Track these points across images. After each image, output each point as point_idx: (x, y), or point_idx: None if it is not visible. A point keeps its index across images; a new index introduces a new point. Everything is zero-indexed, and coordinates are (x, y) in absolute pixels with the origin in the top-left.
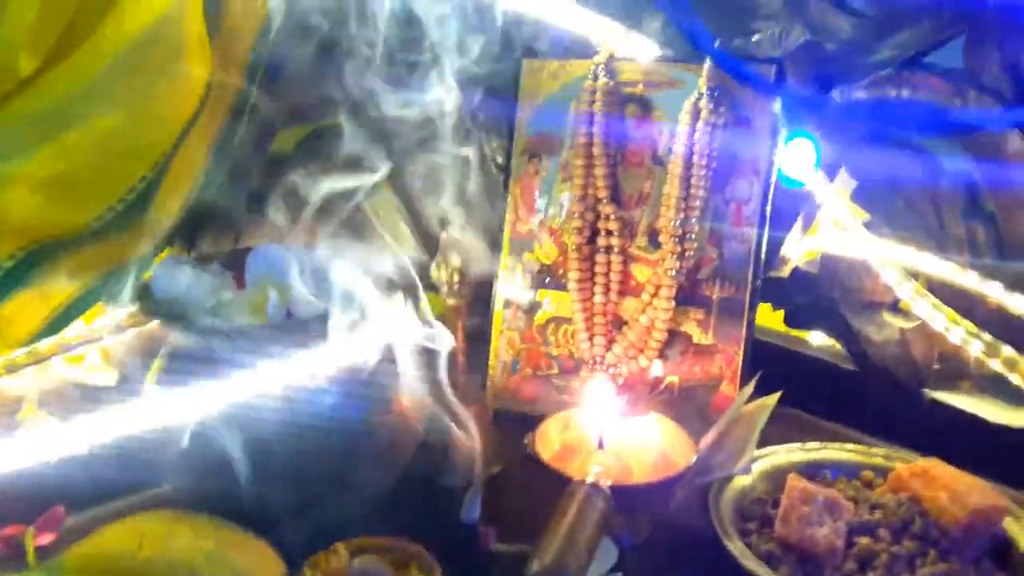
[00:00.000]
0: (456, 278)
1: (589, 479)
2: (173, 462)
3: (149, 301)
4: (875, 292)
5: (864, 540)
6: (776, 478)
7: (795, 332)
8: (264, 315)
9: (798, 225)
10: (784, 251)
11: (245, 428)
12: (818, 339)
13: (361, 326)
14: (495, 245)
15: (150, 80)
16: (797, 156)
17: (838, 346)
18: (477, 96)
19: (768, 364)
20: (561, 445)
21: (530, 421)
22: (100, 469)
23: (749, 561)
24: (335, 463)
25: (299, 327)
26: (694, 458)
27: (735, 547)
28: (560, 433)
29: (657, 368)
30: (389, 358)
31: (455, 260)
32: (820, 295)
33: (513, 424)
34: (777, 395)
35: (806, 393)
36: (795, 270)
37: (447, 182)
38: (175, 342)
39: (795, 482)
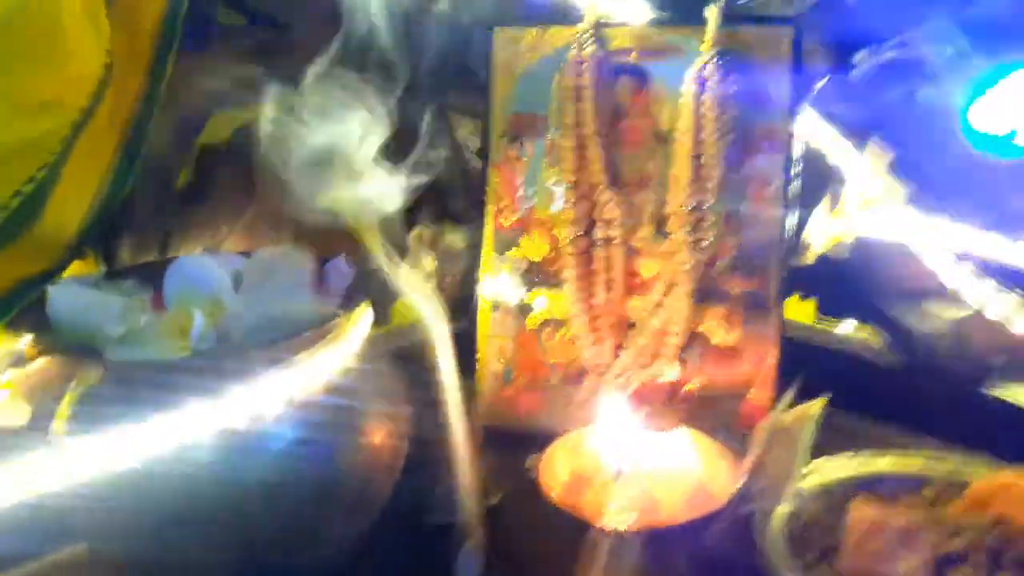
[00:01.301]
0: (429, 284)
1: (611, 523)
2: (92, 520)
3: (45, 330)
4: (918, 278)
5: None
6: (828, 497)
7: (827, 326)
8: (187, 342)
9: (823, 205)
10: (806, 236)
11: (177, 481)
12: (854, 332)
13: (317, 343)
14: (475, 242)
15: (20, 66)
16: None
17: (879, 340)
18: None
19: (800, 364)
20: (571, 475)
21: (529, 440)
22: (6, 528)
23: None
24: (292, 518)
25: (235, 354)
26: (738, 484)
27: None
28: (569, 460)
29: (672, 374)
30: (353, 380)
31: (427, 262)
32: (852, 284)
33: (509, 443)
34: (821, 401)
35: (847, 394)
36: (821, 257)
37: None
38: (87, 378)
39: (862, 510)
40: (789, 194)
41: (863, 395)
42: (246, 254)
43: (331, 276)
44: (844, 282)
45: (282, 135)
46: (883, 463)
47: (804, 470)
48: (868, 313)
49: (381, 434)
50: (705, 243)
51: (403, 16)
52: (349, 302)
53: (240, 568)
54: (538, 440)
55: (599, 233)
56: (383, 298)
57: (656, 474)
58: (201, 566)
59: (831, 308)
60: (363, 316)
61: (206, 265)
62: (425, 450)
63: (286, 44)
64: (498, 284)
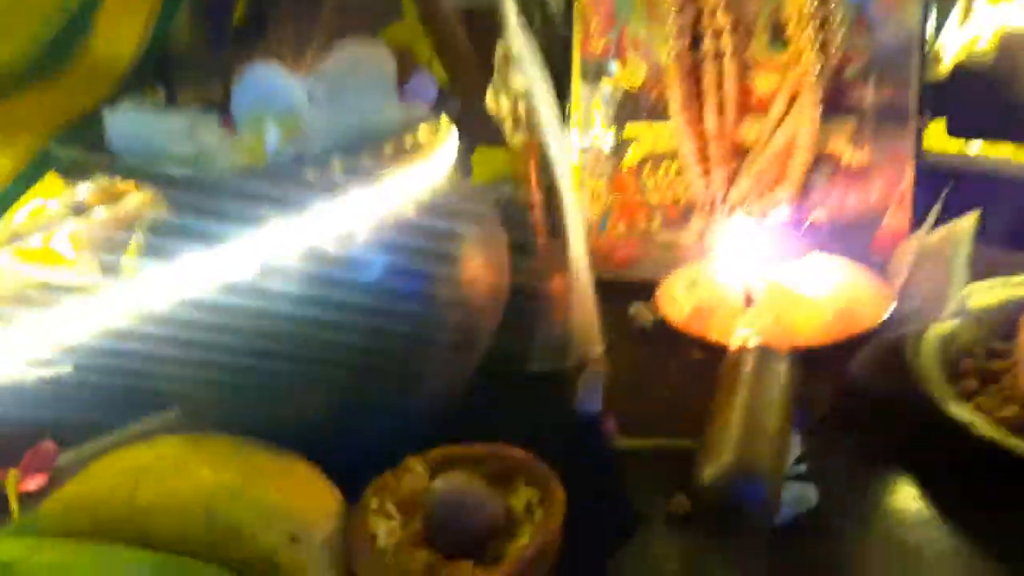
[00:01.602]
0: (522, 106)
1: (752, 342)
2: (174, 371)
3: (106, 158)
4: None
5: None
6: (983, 321)
7: (962, 149)
8: (262, 156)
9: (961, 3)
10: (938, 44)
11: (262, 314)
12: (994, 151)
13: (407, 154)
14: (562, 72)
15: None
16: None
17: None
18: None
19: (938, 187)
20: (693, 308)
21: (631, 290)
22: (90, 391)
23: (990, 429)
24: (389, 356)
25: (316, 162)
26: (890, 308)
27: (963, 413)
28: (688, 292)
29: (797, 201)
30: (447, 199)
31: (518, 81)
32: (996, 91)
33: (609, 295)
34: (974, 216)
35: (993, 219)
36: (957, 67)
37: None
38: (155, 208)
39: None
40: None
41: (1012, 219)
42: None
43: (413, 91)
44: (983, 92)
45: None
46: None
47: (960, 292)
48: (1013, 123)
49: (482, 264)
50: (833, 45)
51: None
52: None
53: (332, 412)
54: (640, 290)
55: (707, 46)
56: (466, 133)
57: (792, 299)
58: (303, 412)
59: (964, 127)
60: (449, 130)
61: (277, 75)
62: (527, 291)
63: None
64: (589, 119)
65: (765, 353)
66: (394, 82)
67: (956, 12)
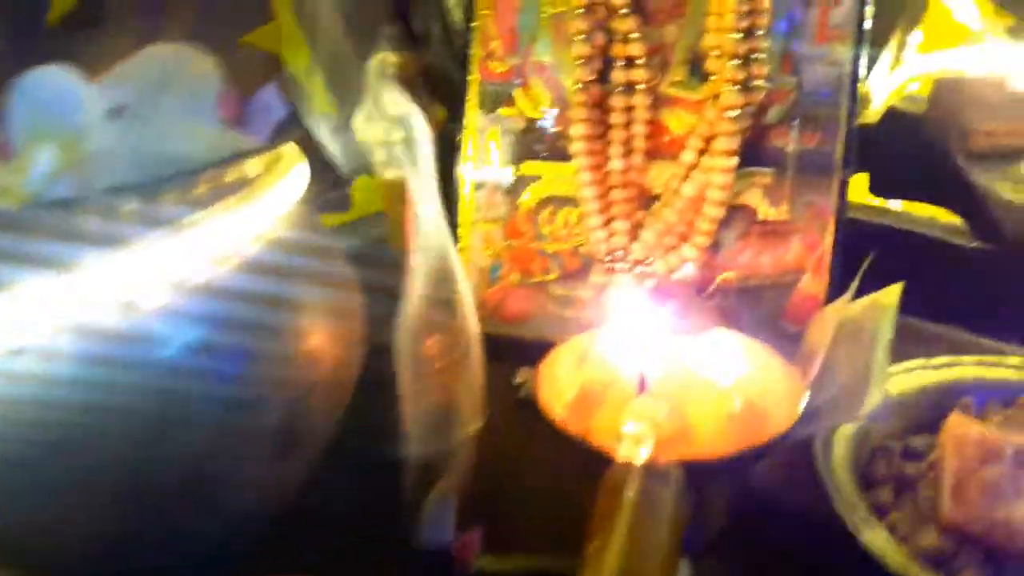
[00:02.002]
0: (396, 134)
1: (632, 454)
2: None
3: None
4: (1014, 132)
5: None
6: (900, 411)
7: (889, 207)
8: (22, 190)
9: (893, 44)
10: (866, 87)
11: (12, 406)
12: (920, 210)
13: (229, 194)
14: (453, 96)
15: None
16: None
17: (953, 218)
18: None
19: (859, 249)
20: (579, 391)
21: (519, 350)
22: None
23: (904, 564)
24: (186, 463)
25: (99, 205)
26: (801, 401)
27: (875, 540)
28: (576, 370)
29: (705, 258)
30: (282, 253)
31: (395, 106)
32: (926, 144)
33: (496, 355)
34: (897, 288)
35: (916, 286)
36: (889, 111)
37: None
38: None
39: (961, 426)
40: (863, 23)
41: (937, 287)
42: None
43: (253, 111)
44: (911, 146)
45: None
46: (963, 369)
47: (881, 381)
48: (941, 184)
49: (324, 338)
50: (758, 83)
51: None
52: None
53: (105, 540)
54: (532, 351)
55: (618, 77)
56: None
57: (691, 388)
58: (47, 540)
59: (888, 185)
60: (295, 161)
61: (64, 82)
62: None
63: None
64: (484, 152)
65: (653, 472)
66: (218, 99)
67: (887, 56)
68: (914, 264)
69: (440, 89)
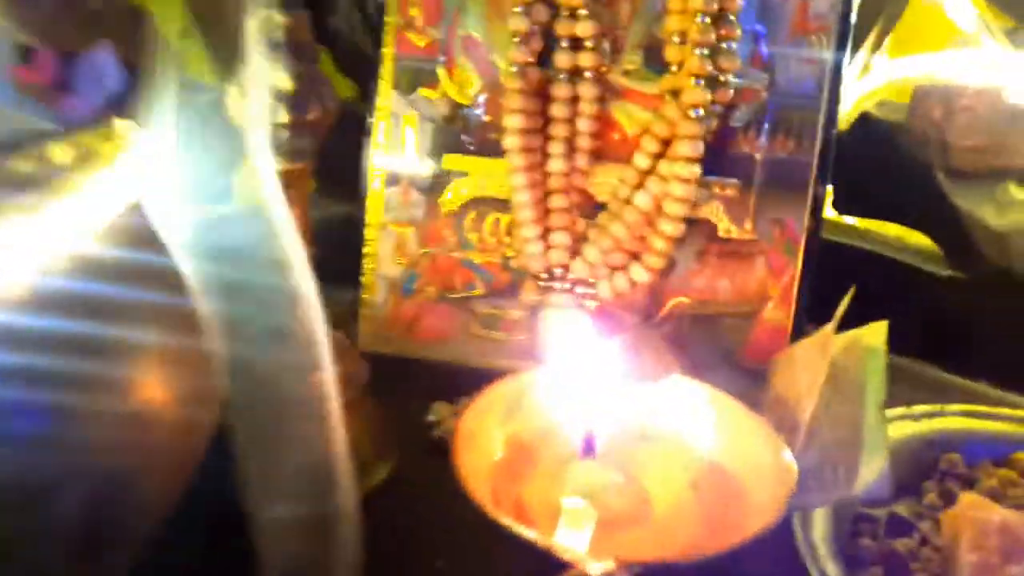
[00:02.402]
0: (284, 116)
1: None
2: None
3: None
4: (1002, 150)
5: None
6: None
7: (861, 223)
8: None
9: (868, 42)
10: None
11: None
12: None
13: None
14: (364, 72)
15: None
16: None
17: (924, 240)
18: None
19: (825, 272)
20: (507, 447)
21: (436, 377)
22: None
23: None
24: None
25: None
26: (790, 481)
27: None
28: (502, 423)
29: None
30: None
31: (279, 75)
32: (903, 157)
33: (403, 385)
34: (883, 327)
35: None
36: (861, 117)
37: None
38: None
39: (978, 510)
40: (849, 14)
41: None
42: None
43: (80, 75)
44: (885, 158)
45: None
46: (947, 420)
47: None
48: (916, 202)
49: (160, 390)
50: (724, 77)
51: None
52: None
53: None
54: (451, 381)
55: (561, 61)
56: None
57: (649, 451)
58: None
59: (855, 200)
60: (128, 142)
61: None
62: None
63: None
64: (399, 143)
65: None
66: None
67: (861, 55)
68: (883, 291)
69: (347, 61)
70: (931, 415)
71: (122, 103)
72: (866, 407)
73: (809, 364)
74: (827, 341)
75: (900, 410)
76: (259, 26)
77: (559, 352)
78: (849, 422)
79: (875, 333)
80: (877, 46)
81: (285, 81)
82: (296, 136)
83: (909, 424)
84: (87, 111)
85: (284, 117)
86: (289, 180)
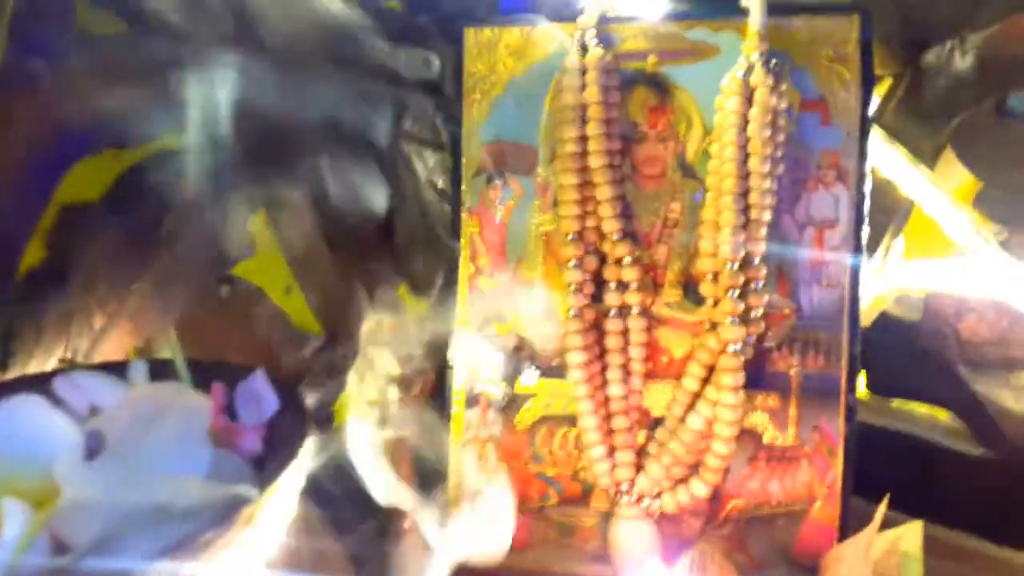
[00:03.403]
0: (393, 394)
1: None
2: None
3: None
4: (1013, 343)
5: None
6: None
7: (893, 404)
8: None
9: (881, 248)
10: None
11: None
12: (922, 412)
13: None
14: (444, 315)
15: None
16: None
17: (957, 424)
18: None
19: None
20: None
21: None
22: None
23: None
24: None
25: None
26: None
27: None
28: None
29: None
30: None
31: (388, 364)
32: (923, 350)
33: None
34: (919, 530)
35: (920, 493)
36: (882, 316)
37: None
38: None
39: None
40: (860, 243)
41: (943, 496)
42: (120, 369)
43: (242, 407)
44: (907, 350)
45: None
46: None
47: None
48: (940, 389)
49: None
50: (757, 312)
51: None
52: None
53: None
54: None
55: (611, 299)
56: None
57: None
58: None
59: (889, 383)
60: (291, 482)
61: (37, 416)
62: None
63: (182, 57)
64: (476, 369)
65: None
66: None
67: (876, 261)
68: (922, 469)
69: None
70: None
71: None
72: None
73: (855, 565)
74: (870, 543)
75: None
76: (372, 327)
77: (632, 563)
78: None
79: (912, 536)
80: (887, 253)
81: (394, 366)
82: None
83: None
84: (255, 441)
85: (394, 395)
86: (396, 447)
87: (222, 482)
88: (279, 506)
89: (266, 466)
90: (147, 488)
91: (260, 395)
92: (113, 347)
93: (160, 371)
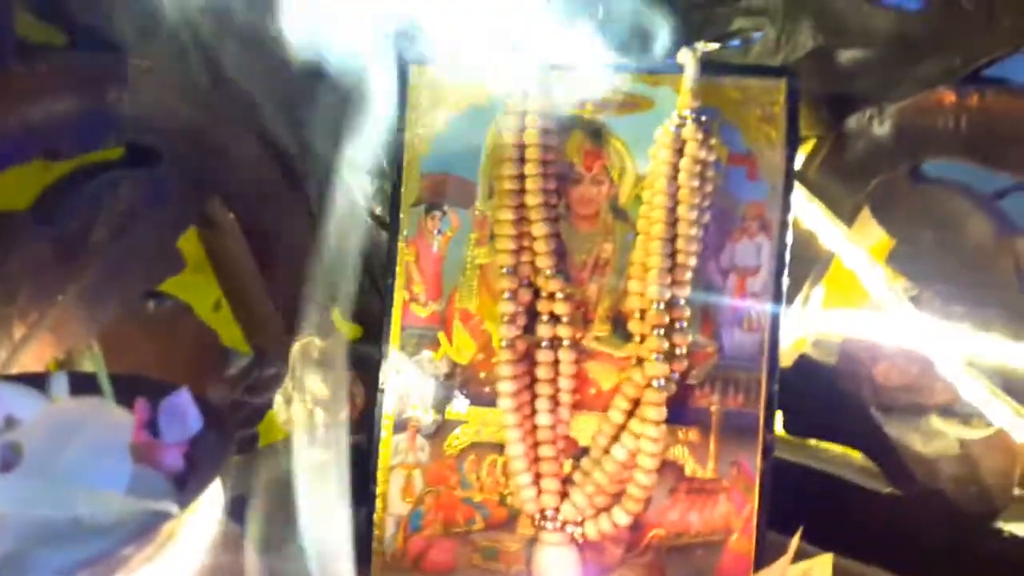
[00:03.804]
0: (320, 415)
1: None
2: None
3: None
4: (922, 389)
5: None
6: None
7: (810, 442)
8: None
9: (801, 295)
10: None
11: None
12: (837, 450)
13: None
14: (376, 338)
15: None
16: None
17: (867, 461)
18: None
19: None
20: None
21: None
22: None
23: None
24: None
25: None
26: None
27: None
28: None
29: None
30: None
31: (318, 386)
32: (839, 393)
33: None
34: (829, 561)
35: (832, 527)
36: (801, 358)
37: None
38: None
39: None
40: (781, 291)
41: (855, 531)
42: (40, 381)
43: (165, 424)
44: (824, 392)
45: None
46: None
47: None
48: (854, 429)
49: None
50: (681, 349)
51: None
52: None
53: None
54: None
55: (543, 331)
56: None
57: None
58: None
59: (806, 423)
60: (209, 501)
61: None
62: None
63: (119, 71)
64: (406, 394)
65: None
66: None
67: (797, 307)
68: (834, 504)
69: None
70: None
71: (202, 442)
72: None
73: None
74: (783, 573)
75: None
76: (300, 349)
77: None
78: None
79: (822, 568)
80: (806, 300)
81: (322, 389)
82: (331, 431)
83: None
84: (178, 458)
85: (321, 418)
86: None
87: (142, 498)
88: (201, 523)
89: (188, 483)
90: (64, 502)
91: (184, 412)
92: (33, 358)
93: (82, 384)
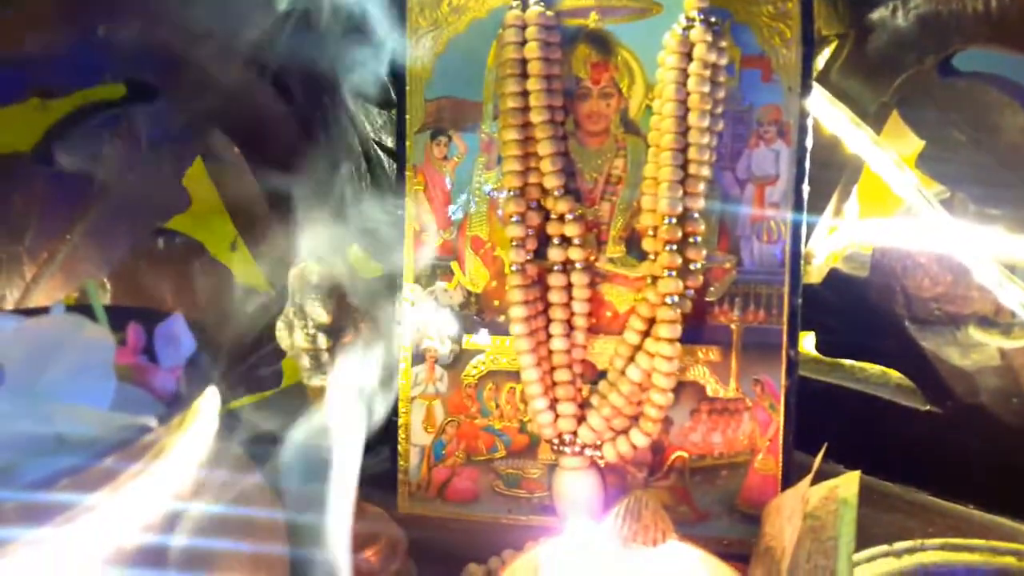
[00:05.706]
0: (323, 342)
1: None
2: None
3: None
4: (958, 299)
5: None
6: None
7: (840, 362)
8: None
9: (831, 205)
10: (809, 249)
11: None
12: (871, 369)
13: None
14: (390, 273)
15: None
16: None
17: (904, 379)
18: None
19: (810, 410)
20: None
21: (469, 536)
22: None
23: None
24: None
25: None
26: None
27: None
28: None
29: (651, 440)
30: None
31: (318, 311)
32: (872, 308)
33: (443, 542)
34: (856, 478)
35: (864, 447)
36: (832, 272)
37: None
38: None
39: None
40: (802, 200)
41: (891, 451)
42: (33, 313)
43: (160, 349)
44: (856, 307)
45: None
46: (934, 555)
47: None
48: (889, 346)
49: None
50: (696, 265)
51: None
52: (181, 399)
53: None
54: (482, 539)
55: (554, 255)
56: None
57: None
58: None
59: (836, 344)
60: (202, 421)
61: None
62: None
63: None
64: (422, 325)
65: None
66: (109, 370)
67: (826, 219)
68: (869, 425)
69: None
70: (912, 551)
71: (196, 364)
72: (839, 559)
73: (793, 515)
74: (804, 493)
75: (883, 548)
76: (298, 274)
77: (574, 512)
78: (827, 574)
79: (848, 484)
80: (838, 211)
81: (323, 315)
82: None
83: (891, 561)
84: (171, 381)
85: (324, 343)
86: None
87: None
88: (191, 441)
89: (180, 405)
90: (43, 418)
91: (178, 337)
92: (45, 296)
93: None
